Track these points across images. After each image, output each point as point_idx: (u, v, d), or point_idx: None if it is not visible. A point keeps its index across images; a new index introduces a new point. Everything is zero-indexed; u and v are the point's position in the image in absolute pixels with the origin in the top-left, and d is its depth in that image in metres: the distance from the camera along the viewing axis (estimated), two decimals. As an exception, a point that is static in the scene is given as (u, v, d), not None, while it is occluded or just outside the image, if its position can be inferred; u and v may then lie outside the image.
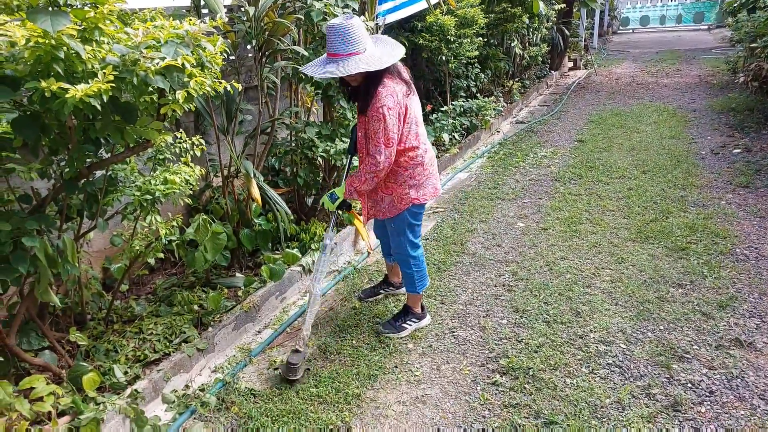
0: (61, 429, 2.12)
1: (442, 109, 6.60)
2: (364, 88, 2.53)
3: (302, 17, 3.34)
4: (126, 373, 2.52)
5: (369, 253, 4.06)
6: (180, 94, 1.95)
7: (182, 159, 2.74)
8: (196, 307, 3.04)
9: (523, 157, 6.33)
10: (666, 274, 3.46)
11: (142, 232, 2.86)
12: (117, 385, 2.44)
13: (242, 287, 3.28)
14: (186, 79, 1.97)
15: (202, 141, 2.71)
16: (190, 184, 2.53)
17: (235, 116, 3.35)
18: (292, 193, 4.09)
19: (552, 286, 3.42)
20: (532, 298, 3.30)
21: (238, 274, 3.42)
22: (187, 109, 2.15)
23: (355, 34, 2.40)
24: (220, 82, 2.15)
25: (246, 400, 2.54)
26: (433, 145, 6.18)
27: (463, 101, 7.13)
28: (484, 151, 6.76)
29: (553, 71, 11.60)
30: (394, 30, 6.15)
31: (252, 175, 3.17)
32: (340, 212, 2.95)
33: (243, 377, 2.72)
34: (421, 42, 6.13)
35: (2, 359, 2.21)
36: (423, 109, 6.41)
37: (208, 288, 3.26)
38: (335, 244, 2.93)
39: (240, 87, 2.41)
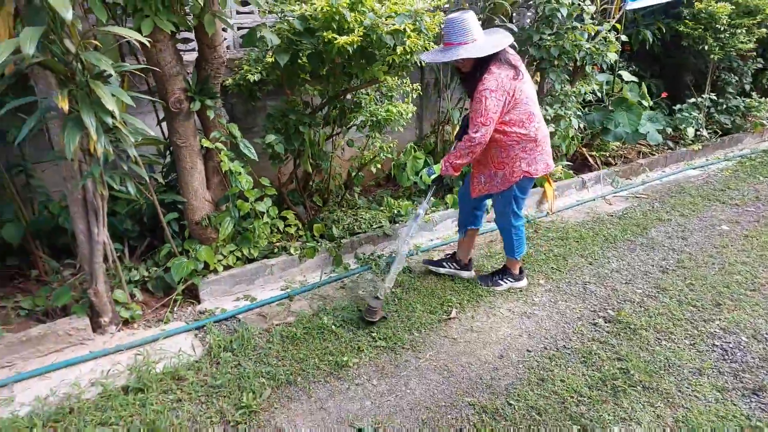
0: (294, 245, 3.51)
1: (690, 100, 6.24)
2: (471, 74, 2.82)
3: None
4: (339, 234, 3.81)
5: (548, 213, 4.58)
6: (399, 49, 2.97)
7: (405, 99, 3.82)
8: (394, 210, 4.18)
9: (782, 169, 5.62)
10: None
11: (371, 149, 4.09)
12: (331, 237, 3.74)
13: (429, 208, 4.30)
14: (405, 40, 2.98)
15: (418, 87, 3.73)
16: (404, 116, 3.59)
17: (456, 76, 4.28)
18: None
19: (710, 279, 3.45)
20: (679, 282, 3.43)
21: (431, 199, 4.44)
22: (418, 64, 3.18)
23: (467, 27, 2.70)
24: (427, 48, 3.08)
25: (403, 273, 3.55)
26: (671, 138, 6.03)
27: (730, 98, 6.52)
28: (737, 155, 6.17)
29: None
30: (653, 15, 6.08)
31: (456, 122, 4.08)
32: (435, 186, 3.17)
33: (410, 261, 3.74)
34: (682, 29, 5.91)
35: (278, 199, 3.71)
36: (656, 97, 6.22)
37: (406, 200, 4.36)
38: (423, 214, 3.16)
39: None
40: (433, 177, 3.11)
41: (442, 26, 2.86)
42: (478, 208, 3.36)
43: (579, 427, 2.24)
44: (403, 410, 2.35)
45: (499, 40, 2.75)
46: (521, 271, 3.41)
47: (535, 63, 4.44)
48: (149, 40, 2.53)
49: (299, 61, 3.20)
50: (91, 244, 2.74)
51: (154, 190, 3.10)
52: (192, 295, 3.23)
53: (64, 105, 2.14)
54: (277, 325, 2.96)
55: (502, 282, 3.37)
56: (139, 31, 2.48)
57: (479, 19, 3.96)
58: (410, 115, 3.70)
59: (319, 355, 2.69)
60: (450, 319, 3.04)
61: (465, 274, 3.48)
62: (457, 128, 3.41)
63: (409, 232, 3.13)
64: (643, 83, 5.84)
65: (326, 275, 3.53)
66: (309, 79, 3.43)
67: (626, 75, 5.72)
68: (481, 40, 2.73)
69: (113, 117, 2.24)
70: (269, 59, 3.36)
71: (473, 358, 2.70)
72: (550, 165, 3.02)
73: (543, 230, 4.26)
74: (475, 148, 2.81)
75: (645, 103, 5.65)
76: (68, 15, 1.90)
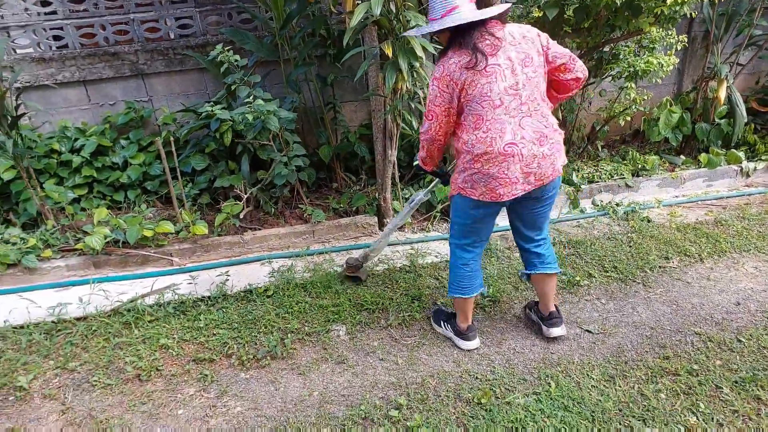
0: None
1: None
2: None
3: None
4: (578, 181, 4.09)
5: None
6: (669, 0, 3.06)
7: (668, 52, 3.81)
8: (639, 164, 4.24)
9: None
10: None
11: (622, 102, 4.19)
12: (570, 183, 4.05)
13: (678, 165, 4.22)
14: (677, -11, 3.05)
15: (684, 39, 3.68)
16: (664, 68, 3.62)
17: (733, 29, 4.02)
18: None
19: None
20: None
21: (682, 156, 4.33)
22: (687, 16, 3.21)
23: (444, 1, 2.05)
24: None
25: (642, 222, 3.69)
26: None
27: None
28: None
29: None
30: None
31: (724, 78, 3.88)
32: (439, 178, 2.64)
33: (647, 213, 3.83)
34: None
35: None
36: None
37: (653, 155, 4.35)
38: (420, 201, 2.79)
39: None
40: (415, 164, 2.69)
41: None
42: (527, 241, 2.47)
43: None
44: (628, 325, 2.66)
45: (471, 12, 2.02)
46: (470, 329, 2.54)
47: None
48: None
49: (564, 14, 3.52)
50: (385, 162, 3.63)
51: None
52: (446, 213, 3.96)
53: (389, 51, 2.93)
54: (517, 245, 3.49)
55: (441, 324, 2.66)
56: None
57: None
58: (671, 67, 3.70)
59: (554, 273, 3.13)
60: (685, 266, 3.14)
61: (545, 329, 2.57)
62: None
63: (400, 216, 2.81)
64: None
65: (563, 215, 3.89)
66: (570, 32, 3.73)
67: None
68: (461, 12, 2.02)
69: (420, 62, 2.97)
70: (535, 14, 3.75)
71: (705, 300, 2.81)
72: (501, 195, 2.13)
73: None
74: (425, 144, 2.28)
75: None
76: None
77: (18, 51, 4.01)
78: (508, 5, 2.17)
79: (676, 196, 4.08)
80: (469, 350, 2.54)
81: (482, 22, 2.03)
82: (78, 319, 2.87)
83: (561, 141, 2.19)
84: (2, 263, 3.19)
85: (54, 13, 3.97)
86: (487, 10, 2.03)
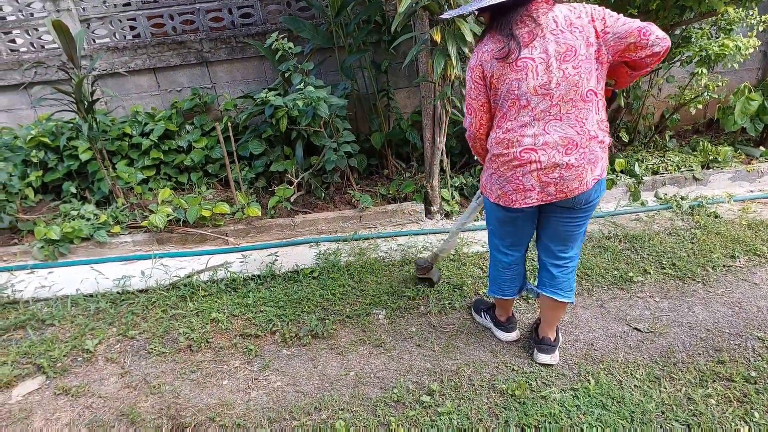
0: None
1: None
2: None
3: None
4: (641, 172, 3.86)
5: None
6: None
7: (749, 33, 3.50)
8: (710, 156, 3.94)
9: None
10: None
11: (693, 88, 3.91)
12: (632, 174, 3.84)
13: (756, 157, 3.89)
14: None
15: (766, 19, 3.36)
16: (742, 51, 3.34)
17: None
18: None
19: None
20: None
21: (761, 148, 3.99)
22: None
23: None
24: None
25: (709, 217, 3.45)
26: None
27: None
28: None
29: None
30: None
31: (812, 61, 3.52)
32: None
33: (715, 208, 3.56)
34: None
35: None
36: None
37: (728, 146, 4.03)
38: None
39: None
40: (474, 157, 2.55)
41: None
42: (549, 255, 2.22)
43: None
44: (682, 326, 2.51)
45: None
46: (510, 321, 2.49)
47: None
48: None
49: (629, -4, 3.33)
50: (433, 148, 3.60)
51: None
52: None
53: (438, 37, 2.89)
54: (568, 237, 3.37)
55: (480, 314, 2.63)
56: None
57: None
58: (750, 50, 3.40)
59: (606, 268, 3.00)
60: (754, 266, 2.91)
61: (534, 353, 2.39)
62: None
63: (468, 212, 2.64)
64: None
65: (621, 208, 3.70)
66: (636, 14, 3.51)
67: None
68: None
69: (470, 47, 2.91)
70: (598, -4, 3.56)
71: (774, 304, 2.61)
72: (515, 201, 1.98)
73: None
74: (469, 140, 2.11)
75: None
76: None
77: (96, 41, 4.32)
78: None
79: (751, 191, 3.77)
80: (507, 341, 2.50)
81: (526, 1, 1.76)
82: (140, 291, 3.10)
83: (599, 150, 1.88)
84: (77, 237, 3.49)
85: (128, 4, 4.23)
86: None
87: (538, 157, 1.86)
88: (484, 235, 3.47)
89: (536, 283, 2.33)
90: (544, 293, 2.25)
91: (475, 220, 3.68)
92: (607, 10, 1.80)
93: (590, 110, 1.84)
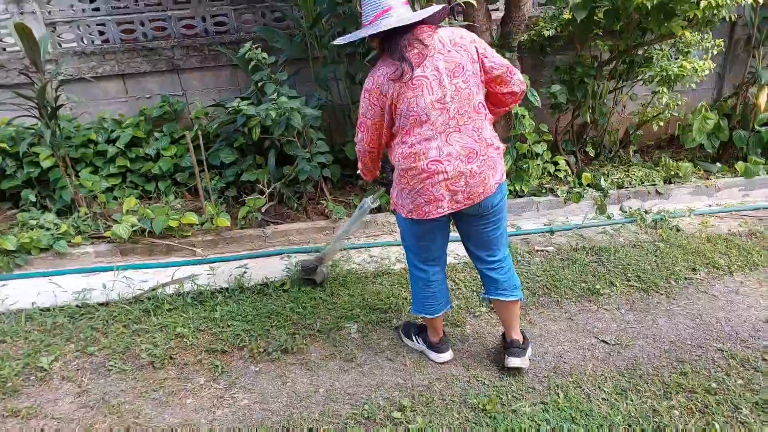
0: (562, 188, 3.86)
1: None
2: None
3: None
4: (606, 186, 3.97)
5: None
6: (702, 3, 2.94)
7: (704, 56, 3.66)
8: (672, 171, 4.08)
9: None
10: None
11: (655, 106, 4.05)
12: (598, 188, 3.93)
13: (714, 173, 4.05)
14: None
15: (721, 43, 3.52)
16: (698, 73, 3.48)
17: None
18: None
19: None
20: None
21: (718, 164, 4.16)
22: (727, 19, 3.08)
23: (375, 2, 1.92)
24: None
25: (671, 231, 3.56)
26: None
27: None
28: None
29: None
30: None
31: (765, 84, 3.70)
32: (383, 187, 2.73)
33: (677, 222, 3.68)
34: None
35: (552, 146, 4.07)
36: None
37: (687, 162, 4.19)
38: (368, 208, 2.80)
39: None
40: (357, 174, 2.71)
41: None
42: (480, 262, 2.32)
43: None
44: (646, 337, 2.57)
45: (398, 17, 1.87)
46: (443, 341, 2.47)
47: None
48: (473, 2, 3.16)
49: (595, 17, 3.43)
50: (406, 161, 3.62)
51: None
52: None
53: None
54: (538, 250, 3.42)
55: (412, 338, 2.59)
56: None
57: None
58: (706, 72, 3.55)
59: (573, 280, 3.06)
60: (713, 279, 3.02)
61: (505, 359, 2.37)
62: None
63: (351, 222, 2.85)
64: None
65: (588, 221, 3.79)
66: (601, 34, 3.63)
67: None
68: (391, 16, 1.88)
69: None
70: (566, 16, 3.67)
71: (732, 315, 2.69)
72: (428, 212, 2.04)
73: None
74: (359, 155, 2.21)
75: None
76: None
77: (63, 45, 4.19)
78: (439, 7, 1.96)
79: (710, 205, 3.92)
80: (442, 362, 2.46)
81: (410, 27, 1.88)
82: (101, 304, 2.99)
83: (496, 156, 2.05)
84: (35, 247, 3.35)
85: (98, 9, 4.13)
86: (414, 14, 1.89)
87: (444, 167, 1.97)
88: (456, 247, 3.49)
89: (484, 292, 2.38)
90: (492, 297, 2.33)
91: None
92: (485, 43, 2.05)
93: (483, 120, 2.01)
